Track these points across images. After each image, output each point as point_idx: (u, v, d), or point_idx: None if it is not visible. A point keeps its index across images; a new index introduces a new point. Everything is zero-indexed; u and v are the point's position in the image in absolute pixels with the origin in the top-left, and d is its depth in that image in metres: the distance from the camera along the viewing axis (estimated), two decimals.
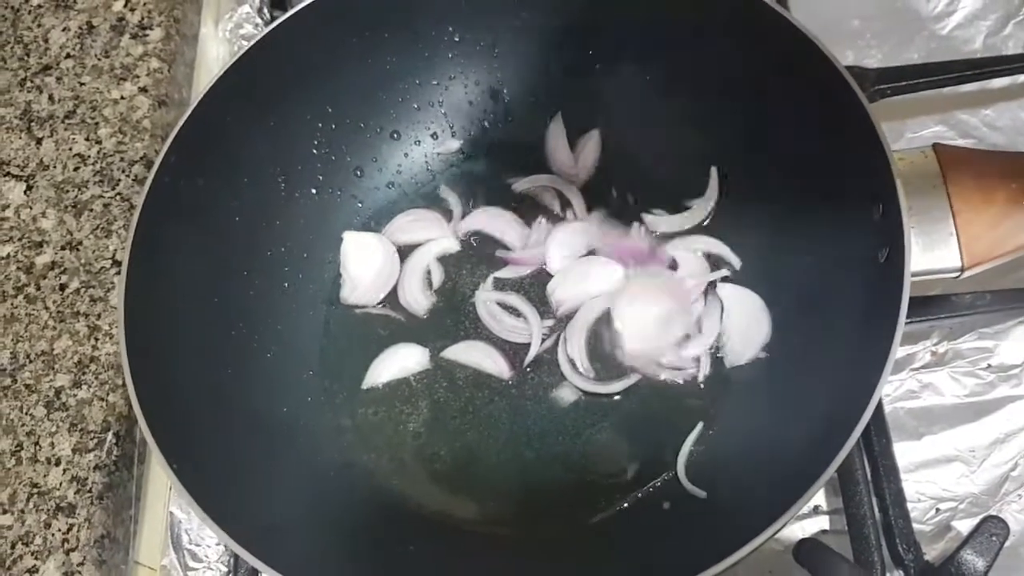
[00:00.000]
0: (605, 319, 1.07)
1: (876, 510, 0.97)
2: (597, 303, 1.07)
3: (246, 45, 1.02)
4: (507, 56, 1.14)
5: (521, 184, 1.15)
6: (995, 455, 1.02)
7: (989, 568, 0.89)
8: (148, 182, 0.95)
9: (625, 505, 0.98)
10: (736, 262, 1.07)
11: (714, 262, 1.08)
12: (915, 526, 0.97)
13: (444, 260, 1.13)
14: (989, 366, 1.06)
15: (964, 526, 0.99)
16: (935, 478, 1.02)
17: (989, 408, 1.05)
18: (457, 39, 1.12)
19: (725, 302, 1.05)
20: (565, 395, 1.04)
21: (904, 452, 1.01)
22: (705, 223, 1.10)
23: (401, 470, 1.03)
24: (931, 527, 1.00)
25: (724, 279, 1.06)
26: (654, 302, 1.05)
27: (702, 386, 1.03)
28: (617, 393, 1.04)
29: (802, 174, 0.99)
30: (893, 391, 1.05)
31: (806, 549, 0.89)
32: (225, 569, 1.03)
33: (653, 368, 1.04)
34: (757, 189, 1.05)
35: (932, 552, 0.97)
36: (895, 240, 0.84)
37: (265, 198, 1.07)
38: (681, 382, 1.03)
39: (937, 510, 1.01)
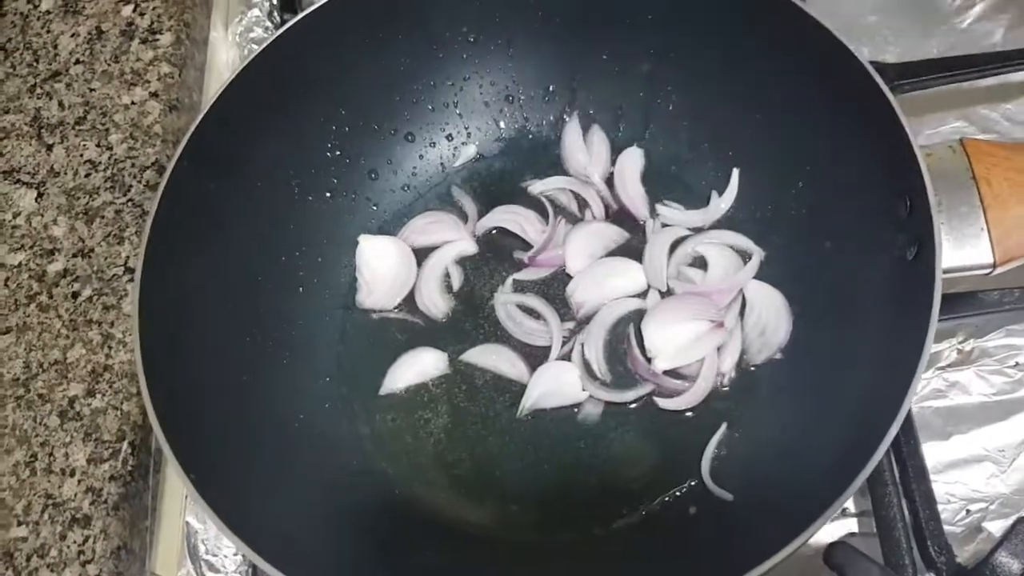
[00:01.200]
0: (625, 321, 1.06)
1: (906, 512, 0.95)
2: (618, 305, 1.06)
3: (256, 49, 1.00)
4: (522, 56, 1.13)
5: (536, 187, 1.14)
6: None
7: None
8: (161, 188, 0.93)
9: (650, 510, 0.96)
10: (760, 253, 1.05)
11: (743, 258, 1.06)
12: (945, 528, 0.95)
13: (462, 262, 1.12)
14: (1017, 364, 1.05)
15: (995, 527, 0.98)
16: (964, 478, 1.00)
17: (1018, 406, 1.03)
18: (471, 39, 1.11)
19: (748, 299, 1.04)
20: (587, 409, 1.03)
21: (932, 452, 1.00)
22: (724, 219, 1.09)
23: (420, 477, 1.01)
24: (961, 528, 0.98)
25: None
26: (687, 323, 1.02)
27: (726, 388, 1.01)
28: (632, 402, 1.02)
29: (825, 171, 0.98)
30: (919, 390, 1.04)
31: (837, 553, 0.88)
32: None
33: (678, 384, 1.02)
34: (778, 186, 1.04)
35: (963, 554, 0.95)
36: (924, 237, 0.83)
37: (279, 202, 1.06)
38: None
39: (967, 511, 0.99)
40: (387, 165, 1.14)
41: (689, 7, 1.03)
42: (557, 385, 1.03)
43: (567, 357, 1.04)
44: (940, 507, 0.96)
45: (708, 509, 0.94)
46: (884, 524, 0.94)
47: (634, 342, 1.03)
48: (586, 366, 1.04)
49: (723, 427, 0.98)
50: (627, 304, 1.06)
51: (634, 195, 1.11)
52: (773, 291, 1.02)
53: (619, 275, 1.07)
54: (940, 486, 0.98)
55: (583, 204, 1.13)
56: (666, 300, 1.05)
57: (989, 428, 1.02)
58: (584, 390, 1.02)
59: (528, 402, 1.02)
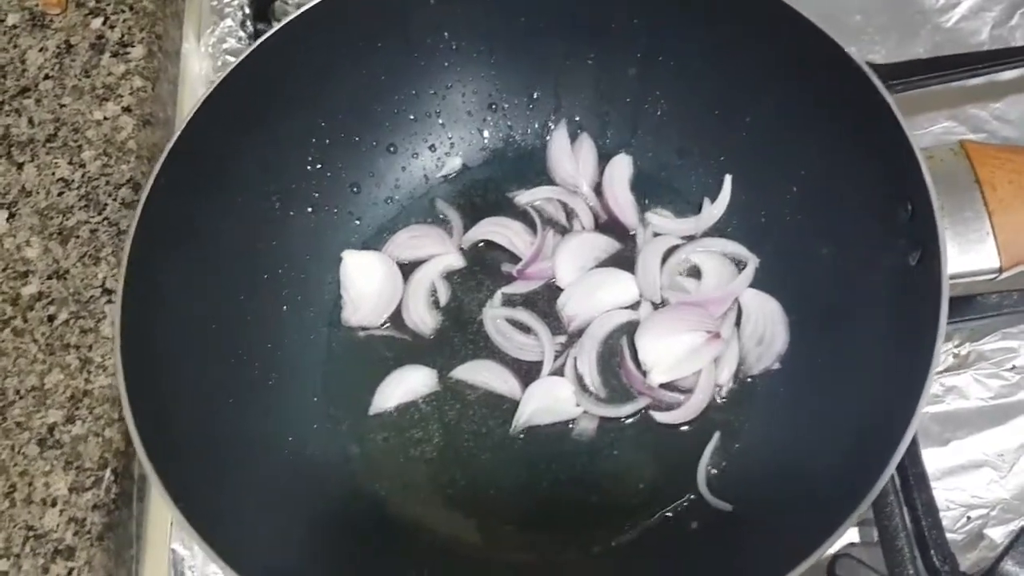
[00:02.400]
0: (618, 334, 1.04)
1: (908, 521, 0.93)
2: (610, 317, 1.04)
3: (232, 61, 0.98)
4: (505, 63, 1.11)
5: (523, 197, 1.12)
6: None
7: None
8: (139, 208, 0.90)
9: (650, 526, 0.95)
10: (755, 260, 1.04)
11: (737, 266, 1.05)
12: (947, 535, 0.93)
13: (449, 277, 1.10)
14: (1014, 367, 1.04)
15: (997, 533, 0.97)
16: (964, 485, 1.00)
17: (1016, 410, 1.02)
18: (453, 47, 1.09)
19: (744, 307, 1.02)
20: (582, 425, 1.01)
21: (931, 459, 0.98)
22: (717, 226, 1.07)
23: (414, 496, 0.99)
24: (963, 536, 0.97)
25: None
26: (682, 335, 1.00)
27: (723, 400, 0.99)
28: (627, 417, 1.00)
29: (821, 175, 0.97)
30: None
31: (841, 566, 0.87)
32: None
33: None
34: (772, 191, 1.02)
35: (965, 562, 0.94)
36: (928, 242, 0.81)
37: (260, 219, 1.03)
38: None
39: (968, 518, 0.98)
40: (369, 178, 1.12)
41: (676, 9, 1.01)
42: (551, 401, 1.01)
43: (560, 372, 1.03)
44: (940, 514, 0.94)
45: (710, 524, 0.92)
46: (886, 534, 0.92)
47: (628, 355, 1.02)
48: (579, 380, 1.02)
49: (716, 436, 0.97)
50: (619, 316, 1.04)
51: (624, 204, 1.09)
52: (769, 299, 1.01)
53: (610, 286, 1.05)
54: (940, 493, 0.96)
55: (571, 214, 1.11)
56: (660, 311, 1.04)
57: (988, 432, 1.01)
58: (578, 405, 1.00)
59: (521, 419, 1.00)
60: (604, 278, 1.06)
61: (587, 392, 1.01)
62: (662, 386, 1.00)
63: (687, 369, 0.99)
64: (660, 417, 0.99)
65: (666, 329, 1.01)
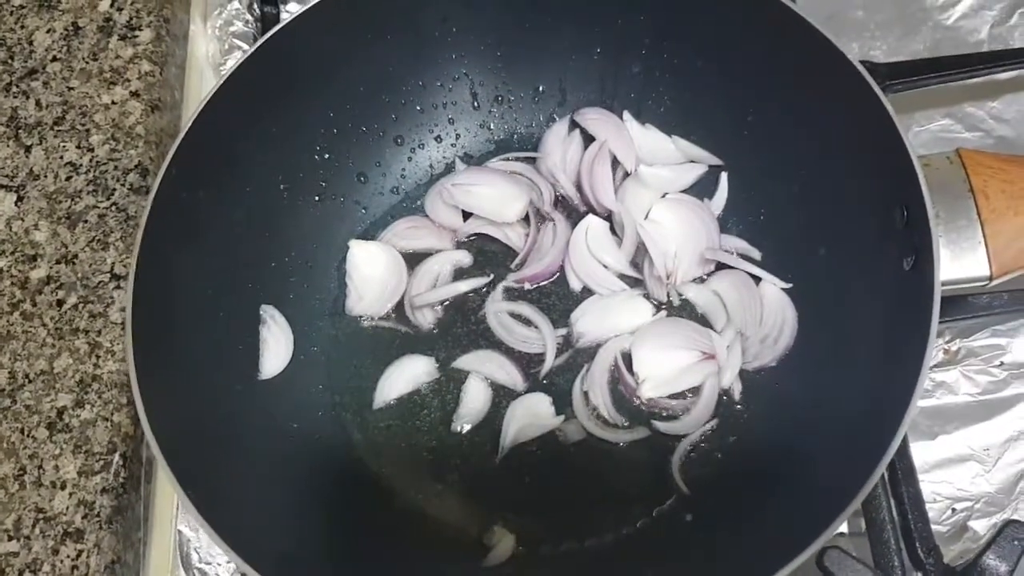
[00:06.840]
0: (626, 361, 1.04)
1: (894, 513, 0.95)
2: (619, 342, 1.04)
3: (239, 44, 0.97)
4: (512, 56, 1.12)
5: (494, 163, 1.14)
6: (1009, 453, 1.02)
7: (1012, 573, 0.89)
8: (150, 197, 0.91)
9: (647, 519, 0.97)
10: (756, 254, 1.05)
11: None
12: (932, 527, 0.96)
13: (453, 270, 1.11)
14: (1002, 363, 1.06)
15: (980, 526, 1.00)
16: (950, 478, 1.02)
17: (1002, 406, 1.05)
18: (461, 40, 1.10)
19: (765, 306, 1.03)
20: (570, 431, 1.02)
21: (918, 452, 1.01)
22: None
23: (416, 484, 1.01)
24: (947, 527, 1.00)
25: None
26: (676, 351, 1.02)
27: (724, 397, 1.01)
28: (623, 442, 1.01)
29: (819, 176, 0.99)
30: None
31: (830, 557, 0.88)
32: None
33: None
34: (771, 191, 1.04)
35: (949, 553, 0.97)
36: (922, 248, 0.83)
37: (268, 208, 1.05)
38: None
39: (953, 510, 1.01)
40: (376, 168, 1.13)
41: (681, 7, 1.02)
42: (531, 418, 1.02)
43: (560, 378, 1.04)
44: (927, 507, 0.97)
45: (703, 516, 0.95)
46: (873, 526, 0.95)
47: (623, 368, 1.03)
48: (594, 413, 1.02)
49: (704, 429, 1.00)
50: (627, 342, 1.04)
51: (605, 198, 1.10)
52: (789, 305, 1.02)
53: (625, 313, 1.05)
54: (926, 485, 0.99)
55: (562, 203, 1.13)
56: (657, 323, 1.04)
57: (975, 427, 1.04)
58: (604, 436, 1.01)
59: (506, 441, 1.01)
60: (621, 304, 1.06)
61: (608, 425, 1.02)
62: None
63: (677, 387, 1.01)
64: (663, 427, 1.00)
65: (661, 344, 1.02)
